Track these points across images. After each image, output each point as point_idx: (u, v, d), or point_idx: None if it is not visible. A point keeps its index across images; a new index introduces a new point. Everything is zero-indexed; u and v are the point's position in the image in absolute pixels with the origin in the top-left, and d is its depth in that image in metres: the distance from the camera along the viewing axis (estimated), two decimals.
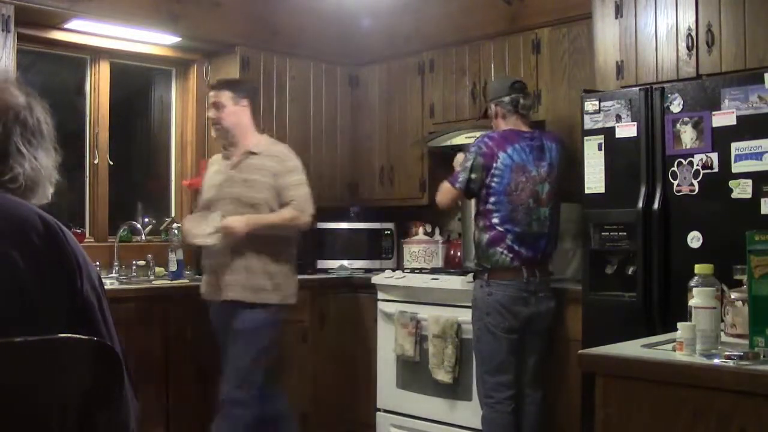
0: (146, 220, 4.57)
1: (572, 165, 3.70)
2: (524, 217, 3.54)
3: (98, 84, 4.48)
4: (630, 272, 3.33)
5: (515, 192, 3.54)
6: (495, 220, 3.55)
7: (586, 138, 3.47)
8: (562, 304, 3.68)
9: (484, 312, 3.56)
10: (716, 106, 3.07)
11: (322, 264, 4.92)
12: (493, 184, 3.54)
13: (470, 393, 3.86)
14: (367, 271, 4.78)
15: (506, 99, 3.69)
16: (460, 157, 3.82)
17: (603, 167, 3.41)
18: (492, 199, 3.55)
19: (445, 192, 3.72)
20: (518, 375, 3.58)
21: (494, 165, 3.54)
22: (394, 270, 4.53)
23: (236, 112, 3.65)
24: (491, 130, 3.77)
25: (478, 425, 3.80)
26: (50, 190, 1.56)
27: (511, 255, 3.52)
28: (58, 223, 1.43)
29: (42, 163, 1.52)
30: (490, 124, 3.84)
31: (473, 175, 3.56)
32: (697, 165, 3.12)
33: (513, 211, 3.54)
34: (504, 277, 3.53)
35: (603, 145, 3.41)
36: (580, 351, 1.98)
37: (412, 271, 4.42)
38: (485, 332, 3.56)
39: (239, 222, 3.46)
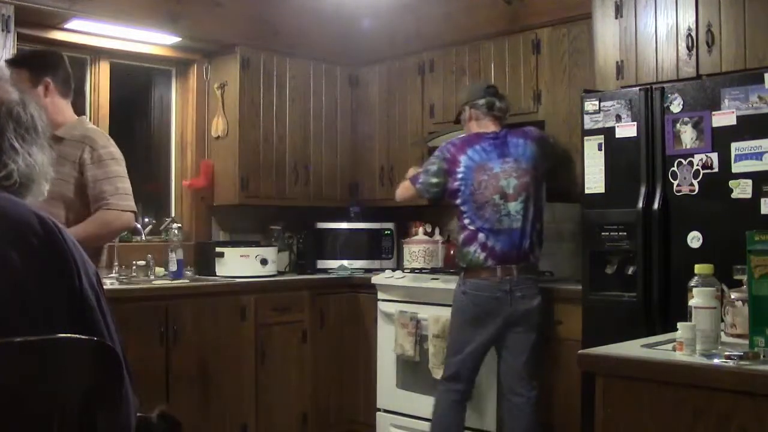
0: (146, 220, 4.57)
1: (565, 159, 3.72)
2: (492, 213, 3.58)
3: (98, 84, 4.48)
4: (630, 272, 3.33)
5: (479, 191, 3.60)
6: (466, 221, 3.63)
7: (586, 138, 3.47)
8: (551, 302, 3.68)
9: (458, 308, 3.65)
10: (716, 106, 3.07)
11: (322, 264, 4.92)
12: (459, 187, 3.63)
13: (470, 393, 3.86)
14: (367, 271, 4.78)
15: (481, 101, 3.76)
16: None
17: (603, 167, 3.41)
18: (459, 201, 3.65)
19: (404, 189, 3.94)
20: (476, 374, 3.64)
21: (457, 169, 3.64)
22: (394, 270, 4.53)
23: (38, 94, 3.04)
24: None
25: (478, 425, 3.81)
26: (45, 187, 1.55)
27: (484, 253, 3.56)
28: (55, 221, 1.42)
29: (37, 159, 1.51)
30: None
31: (434, 180, 3.70)
32: (697, 165, 3.12)
33: (479, 209, 3.59)
34: (478, 276, 3.58)
35: (603, 145, 3.41)
36: (580, 351, 1.97)
37: (412, 271, 4.42)
38: (455, 326, 3.65)
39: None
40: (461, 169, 3.63)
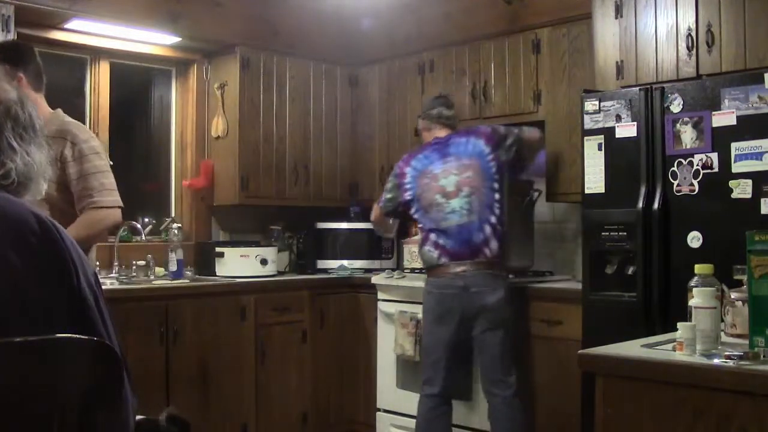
0: (146, 220, 4.57)
1: (528, 143, 3.82)
2: (437, 213, 3.68)
3: (98, 84, 4.48)
4: (630, 272, 3.33)
5: (423, 194, 3.75)
6: (420, 225, 3.80)
7: (586, 138, 3.47)
8: (551, 302, 3.68)
9: (425, 309, 3.73)
10: (716, 106, 3.07)
11: (322, 264, 4.92)
12: (409, 197, 3.82)
13: (470, 393, 3.86)
14: (367, 271, 4.78)
15: (433, 112, 3.90)
16: None
17: (603, 167, 3.41)
18: (413, 210, 3.82)
19: (373, 211, 4.13)
20: (453, 376, 3.66)
21: (404, 181, 3.84)
22: (393, 270, 4.53)
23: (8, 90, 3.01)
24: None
25: (478, 425, 3.80)
26: (44, 186, 1.54)
27: (437, 251, 3.64)
28: (53, 220, 1.42)
29: (35, 158, 1.51)
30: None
31: (389, 195, 3.94)
32: (697, 165, 3.12)
33: (427, 211, 3.73)
34: (434, 274, 3.66)
35: (603, 145, 3.41)
36: (580, 351, 1.97)
37: (412, 271, 4.42)
38: (425, 328, 3.74)
39: None
40: (408, 179, 3.83)
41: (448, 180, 3.69)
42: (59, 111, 3.11)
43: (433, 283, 3.66)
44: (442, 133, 3.86)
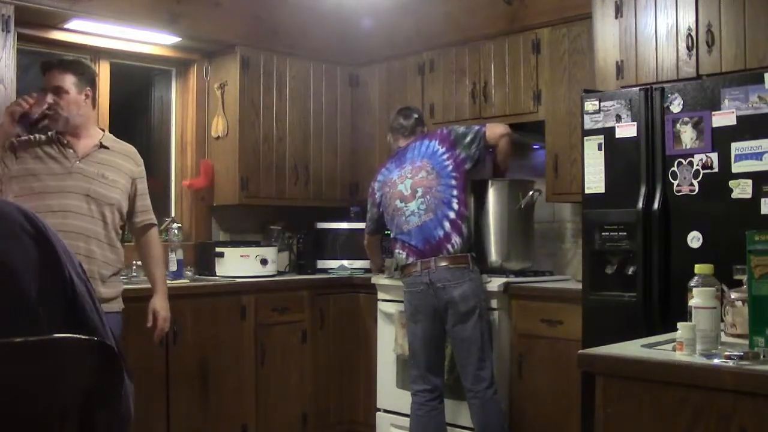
0: None
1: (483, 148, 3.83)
2: (399, 218, 3.81)
3: (98, 84, 4.46)
4: (630, 272, 3.33)
5: (387, 203, 3.91)
6: (390, 232, 3.93)
7: (586, 138, 3.47)
8: (552, 302, 3.68)
9: (404, 309, 3.83)
10: (716, 106, 3.07)
11: (322, 264, 4.92)
12: (381, 210, 4.00)
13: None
14: (367, 271, 4.78)
15: (393, 124, 4.07)
16: None
17: (603, 167, 3.41)
18: (385, 219, 3.98)
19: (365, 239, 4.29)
20: (435, 370, 3.73)
21: (375, 197, 4.04)
22: (394, 270, 4.52)
23: (78, 102, 3.19)
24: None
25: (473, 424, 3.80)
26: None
27: (404, 252, 3.76)
28: (37, 215, 1.42)
29: None
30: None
31: (368, 215, 4.14)
32: (697, 165, 3.12)
33: (391, 218, 3.88)
34: (404, 274, 3.78)
35: (603, 145, 3.41)
36: (580, 351, 1.97)
37: None
38: (405, 326, 3.85)
39: (168, 310, 3.43)
40: (377, 194, 4.02)
41: (404, 184, 3.82)
42: (106, 130, 3.42)
43: (405, 282, 3.79)
44: (403, 142, 3.99)
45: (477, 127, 3.86)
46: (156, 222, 3.46)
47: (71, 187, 3.12)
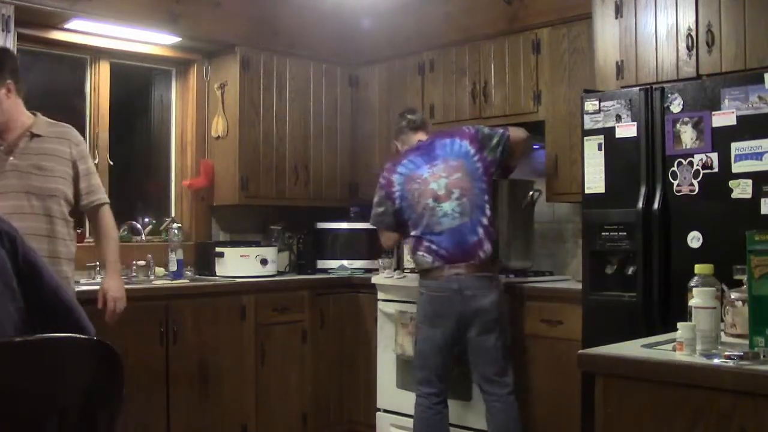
0: (146, 220, 4.57)
1: (507, 152, 3.74)
2: (429, 217, 3.61)
3: (98, 84, 4.48)
4: (630, 272, 3.33)
5: (414, 200, 3.67)
6: (412, 231, 3.68)
7: (586, 138, 3.47)
8: (552, 302, 3.68)
9: (418, 310, 3.71)
10: (716, 106, 3.07)
11: (322, 264, 4.93)
12: (400, 205, 3.73)
13: (470, 393, 3.86)
14: (367, 271, 4.78)
15: (401, 124, 3.93)
16: None
17: (603, 167, 3.41)
18: (405, 216, 3.72)
19: (381, 237, 3.95)
20: (448, 376, 3.67)
21: (393, 190, 3.75)
22: (394, 270, 4.52)
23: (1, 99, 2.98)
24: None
25: (478, 425, 3.80)
26: None
27: (431, 256, 3.58)
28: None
29: None
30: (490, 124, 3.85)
31: (380, 209, 3.82)
32: (697, 165, 3.12)
33: (419, 217, 3.64)
34: (428, 277, 3.61)
35: (603, 145, 3.41)
36: (580, 351, 1.97)
37: (412, 271, 4.42)
38: (418, 329, 3.71)
39: (121, 290, 3.26)
40: (396, 188, 3.74)
41: (438, 183, 3.64)
42: (39, 114, 3.18)
43: (427, 286, 3.62)
44: (423, 136, 3.86)
45: (501, 131, 3.76)
46: (107, 200, 3.28)
47: (8, 187, 2.96)
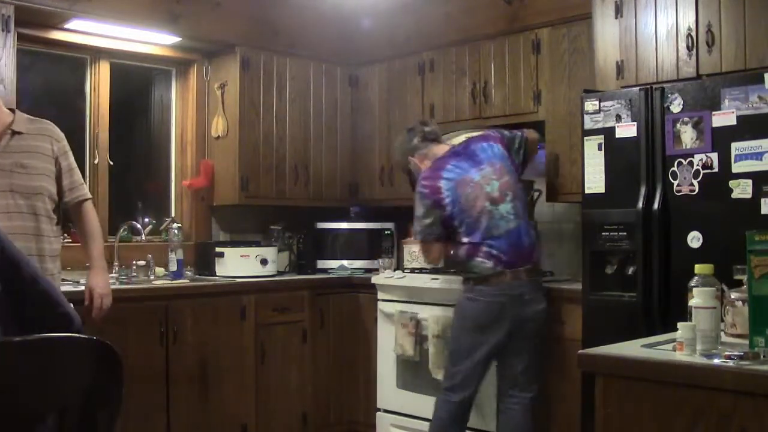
0: (146, 220, 4.57)
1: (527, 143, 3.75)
2: (488, 221, 3.50)
3: (98, 84, 4.48)
4: (630, 272, 3.33)
5: (469, 203, 3.52)
6: (465, 238, 3.52)
7: (586, 138, 3.47)
8: (552, 302, 3.68)
9: (465, 316, 3.55)
10: (716, 106, 3.07)
11: (322, 264, 4.93)
12: (451, 211, 3.54)
13: (472, 402, 3.85)
14: (367, 271, 4.78)
15: (416, 142, 3.76)
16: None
17: (603, 167, 3.41)
18: (456, 222, 3.54)
19: (422, 248, 3.72)
20: (477, 384, 3.55)
21: (442, 196, 3.55)
22: (394, 270, 4.53)
23: None
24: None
25: (478, 425, 3.80)
26: None
27: (491, 261, 3.47)
28: None
29: None
30: (484, 125, 3.84)
31: (427, 221, 3.57)
32: (697, 165, 3.12)
33: (476, 221, 3.51)
34: (488, 283, 3.47)
35: (603, 145, 3.41)
36: (580, 351, 1.97)
37: (412, 271, 4.42)
38: (461, 335, 3.55)
39: (107, 287, 3.22)
40: (446, 193, 3.55)
41: (491, 186, 3.54)
42: (18, 111, 3.17)
43: (483, 291, 3.47)
44: (441, 148, 3.74)
45: (519, 133, 3.77)
46: (89, 196, 3.26)
47: None
